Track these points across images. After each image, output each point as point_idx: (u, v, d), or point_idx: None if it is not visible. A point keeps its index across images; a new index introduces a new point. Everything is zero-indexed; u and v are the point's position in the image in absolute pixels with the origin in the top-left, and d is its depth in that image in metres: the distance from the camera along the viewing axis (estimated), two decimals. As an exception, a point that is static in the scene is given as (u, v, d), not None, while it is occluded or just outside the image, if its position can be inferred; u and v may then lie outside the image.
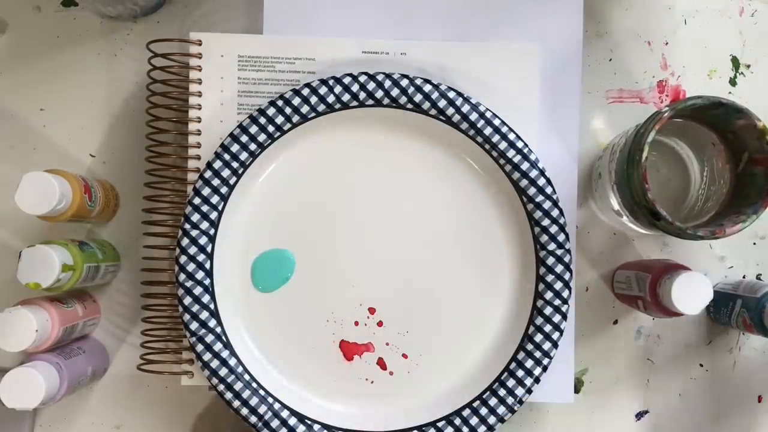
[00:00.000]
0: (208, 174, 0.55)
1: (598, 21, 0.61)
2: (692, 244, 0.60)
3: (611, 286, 0.60)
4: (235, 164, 0.56)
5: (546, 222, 0.55)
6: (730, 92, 0.61)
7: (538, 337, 0.55)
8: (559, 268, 0.55)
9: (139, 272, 0.59)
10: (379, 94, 0.56)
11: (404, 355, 0.58)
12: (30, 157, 0.60)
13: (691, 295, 0.50)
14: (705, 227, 0.49)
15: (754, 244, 0.61)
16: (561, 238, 0.55)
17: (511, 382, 0.55)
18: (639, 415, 0.60)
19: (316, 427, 0.56)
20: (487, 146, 0.56)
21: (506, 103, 0.57)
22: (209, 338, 0.55)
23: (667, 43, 0.61)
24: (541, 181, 0.56)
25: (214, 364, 0.55)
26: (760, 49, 0.61)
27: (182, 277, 0.55)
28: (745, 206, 0.49)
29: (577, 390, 0.60)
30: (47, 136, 0.60)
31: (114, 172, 0.60)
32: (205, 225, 0.55)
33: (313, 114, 0.56)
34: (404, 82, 0.56)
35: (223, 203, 0.56)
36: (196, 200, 0.55)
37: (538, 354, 0.55)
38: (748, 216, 0.48)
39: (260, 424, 0.55)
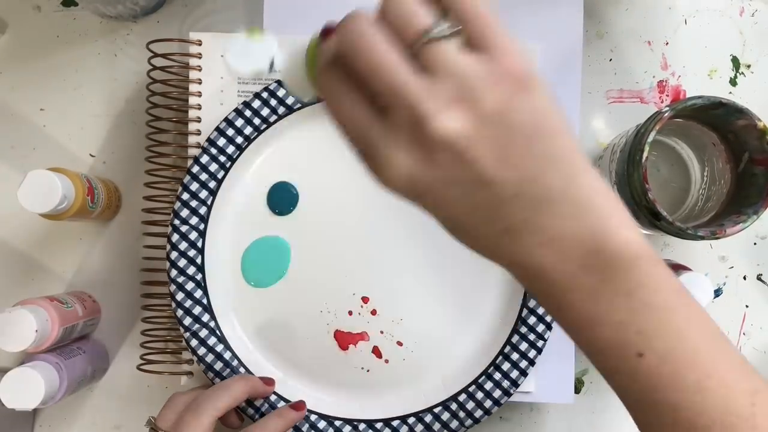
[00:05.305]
0: (195, 169, 0.55)
1: (598, 21, 0.61)
2: (693, 244, 0.60)
3: (611, 286, 0.60)
4: (222, 158, 0.56)
5: None
6: (730, 92, 0.61)
7: (532, 320, 0.55)
8: None
9: (139, 272, 0.59)
10: None
11: (399, 343, 0.58)
12: (30, 156, 0.60)
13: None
14: (705, 227, 0.49)
15: (755, 244, 0.61)
16: None
17: (506, 366, 0.56)
18: (639, 416, 0.60)
19: (313, 417, 0.56)
20: None
21: (506, 103, 0.57)
22: (203, 333, 0.55)
23: (667, 43, 0.61)
24: None
25: (209, 358, 0.55)
26: (760, 49, 0.61)
27: (174, 273, 0.55)
28: (745, 206, 0.49)
29: (577, 390, 0.60)
30: (47, 136, 0.60)
31: (114, 172, 0.60)
32: (194, 220, 0.55)
33: (298, 105, 0.56)
34: None
35: (212, 198, 0.56)
36: (185, 196, 0.55)
37: (532, 336, 0.55)
38: (749, 216, 0.48)
39: (257, 416, 0.55)
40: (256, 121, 0.56)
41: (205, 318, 0.55)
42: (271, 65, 0.38)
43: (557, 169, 0.32)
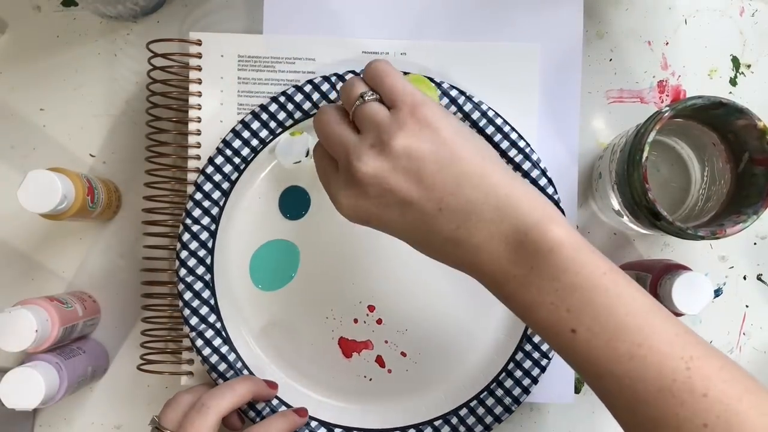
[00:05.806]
0: (209, 170, 0.55)
1: (598, 21, 0.61)
2: (693, 244, 0.60)
3: (611, 286, 0.60)
4: (236, 160, 0.56)
5: None
6: (730, 92, 0.61)
7: (537, 338, 0.55)
8: None
9: (139, 272, 0.59)
10: None
11: (403, 354, 0.57)
12: (30, 156, 0.60)
13: (691, 295, 0.50)
14: (705, 227, 0.48)
15: (755, 244, 0.61)
16: None
17: (508, 383, 0.55)
18: (639, 416, 0.60)
19: (313, 423, 0.56)
20: None
21: (506, 104, 0.57)
22: (209, 333, 0.55)
23: (667, 43, 0.61)
24: (543, 182, 0.55)
25: (214, 359, 0.55)
26: (760, 49, 0.61)
27: (183, 272, 0.55)
28: (745, 206, 0.49)
29: (577, 390, 0.60)
30: (47, 136, 0.60)
31: (114, 172, 0.60)
32: (206, 220, 0.55)
33: (315, 110, 0.56)
34: None
35: (224, 199, 0.56)
36: (198, 196, 0.55)
37: (536, 355, 0.55)
38: (749, 216, 0.48)
39: (258, 419, 0.55)
40: (272, 124, 0.56)
41: (212, 318, 0.55)
42: (307, 152, 0.52)
43: (471, 185, 0.40)
